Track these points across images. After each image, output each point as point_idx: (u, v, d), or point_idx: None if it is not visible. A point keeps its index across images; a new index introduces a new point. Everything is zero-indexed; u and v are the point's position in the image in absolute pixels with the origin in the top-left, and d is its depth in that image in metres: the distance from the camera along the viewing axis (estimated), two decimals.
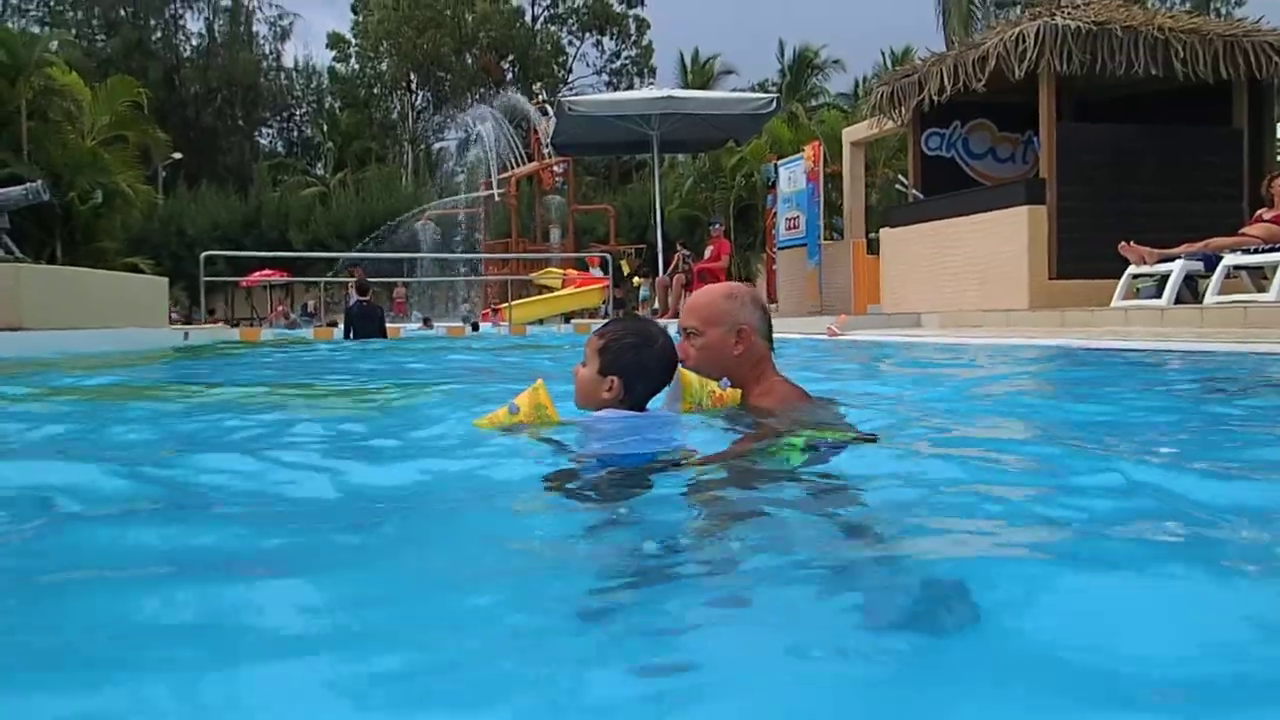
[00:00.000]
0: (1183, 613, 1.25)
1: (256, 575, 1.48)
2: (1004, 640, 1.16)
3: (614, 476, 2.21)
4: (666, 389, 2.66)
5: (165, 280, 14.30)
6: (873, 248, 16.46)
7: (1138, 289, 10.33)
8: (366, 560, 1.60)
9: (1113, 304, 10.21)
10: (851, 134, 17.55)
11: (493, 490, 2.17)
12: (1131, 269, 10.28)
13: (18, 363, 7.30)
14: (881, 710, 0.99)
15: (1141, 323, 8.93)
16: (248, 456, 2.61)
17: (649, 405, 2.63)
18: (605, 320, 3.67)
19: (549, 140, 21.99)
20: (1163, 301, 9.59)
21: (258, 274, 33.11)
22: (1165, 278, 9.82)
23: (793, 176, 17.71)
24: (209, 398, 4.84)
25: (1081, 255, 11.58)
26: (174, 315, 29.62)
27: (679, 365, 2.67)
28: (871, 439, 2.51)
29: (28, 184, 10.59)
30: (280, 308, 35.75)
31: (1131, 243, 10.16)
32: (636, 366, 2.53)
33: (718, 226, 17.68)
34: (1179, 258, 9.78)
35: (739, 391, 2.77)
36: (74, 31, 48.26)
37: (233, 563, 1.57)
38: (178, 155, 43.71)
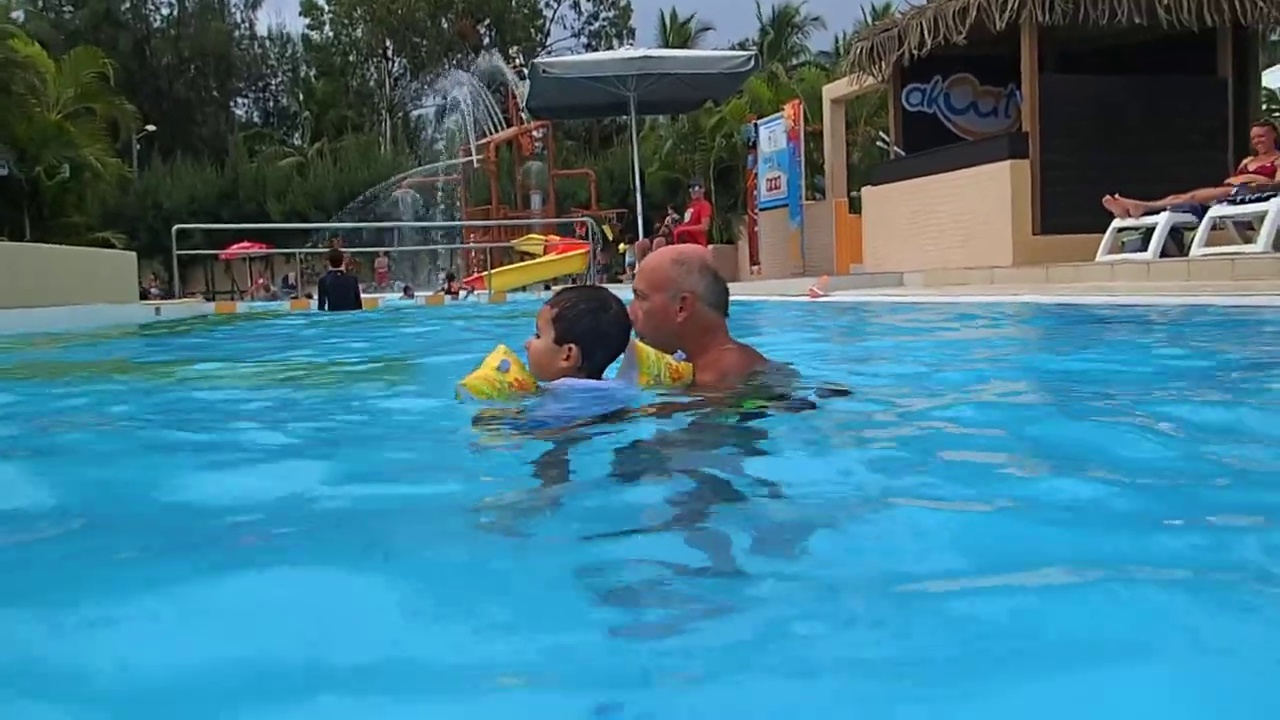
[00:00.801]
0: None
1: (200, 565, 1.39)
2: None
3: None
4: (619, 361, 2.62)
5: (134, 255, 14.01)
6: (855, 207, 16.28)
7: (1123, 243, 10.16)
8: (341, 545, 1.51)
9: (1097, 259, 10.06)
10: (832, 91, 17.28)
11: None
12: (1116, 222, 10.12)
13: None
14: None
15: (1127, 277, 8.78)
16: (186, 437, 2.55)
17: (605, 375, 2.62)
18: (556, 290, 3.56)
19: (524, 104, 21.60)
20: (1148, 255, 9.43)
21: (236, 246, 32.67)
22: (1151, 231, 9.66)
23: (773, 136, 17.46)
24: (157, 375, 4.64)
25: (1065, 210, 11.42)
26: (154, 290, 29.27)
27: (633, 335, 2.61)
28: (843, 391, 2.56)
29: None
30: (260, 280, 35.39)
31: (1117, 195, 9.99)
32: (594, 332, 2.53)
33: (697, 189, 17.39)
34: (1164, 210, 9.62)
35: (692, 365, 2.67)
36: (40, 3, 47.31)
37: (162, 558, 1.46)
38: (151, 128, 43.03)
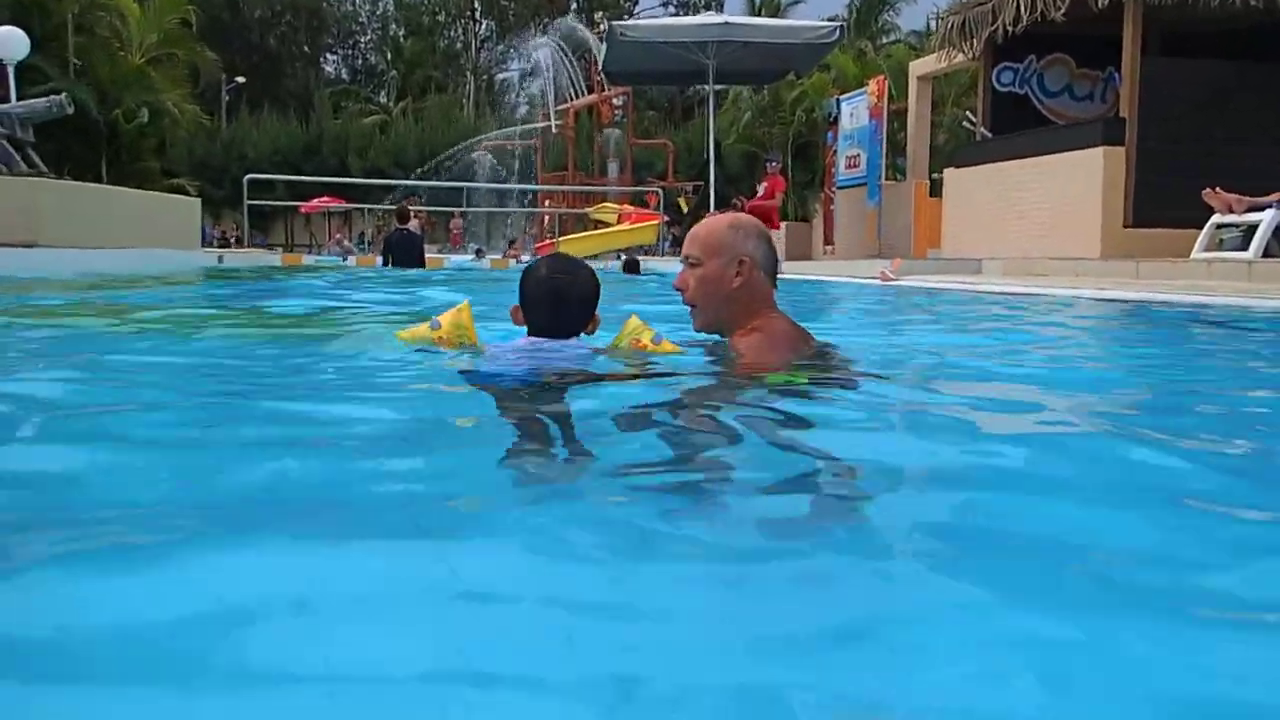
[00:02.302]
0: None
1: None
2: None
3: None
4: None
5: (198, 201, 14.01)
6: (936, 190, 15.68)
7: (1221, 240, 9.52)
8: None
9: (1192, 255, 9.44)
10: (918, 68, 16.61)
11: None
12: (1216, 218, 9.48)
13: (28, 282, 7.02)
14: None
15: (1226, 276, 8.17)
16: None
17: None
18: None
19: (601, 68, 21.23)
20: (1249, 254, 8.80)
21: (317, 200, 32.98)
22: (1253, 228, 9.02)
23: (855, 112, 16.89)
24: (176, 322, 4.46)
25: (1160, 202, 10.75)
26: (232, 239, 29.73)
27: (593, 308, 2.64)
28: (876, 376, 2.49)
29: (50, 97, 10.30)
30: (337, 235, 35.73)
31: (1217, 189, 9.34)
32: (523, 294, 2.61)
33: (774, 164, 16.84)
34: (1271, 207, 8.96)
35: (670, 346, 2.66)
36: None
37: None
38: (241, 79, 43.66)
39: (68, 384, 2.45)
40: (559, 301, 2.59)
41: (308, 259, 16.08)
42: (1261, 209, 9.02)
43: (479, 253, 22.86)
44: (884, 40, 37.25)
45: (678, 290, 2.62)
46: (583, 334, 2.61)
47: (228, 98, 43.81)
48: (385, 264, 13.47)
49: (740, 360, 2.51)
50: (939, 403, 2.39)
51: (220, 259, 11.97)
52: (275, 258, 15.45)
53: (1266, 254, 8.78)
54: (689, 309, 2.65)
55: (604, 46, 18.30)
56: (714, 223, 2.69)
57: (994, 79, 13.52)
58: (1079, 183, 11.29)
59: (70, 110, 9.89)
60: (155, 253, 10.10)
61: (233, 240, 30.17)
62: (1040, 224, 11.84)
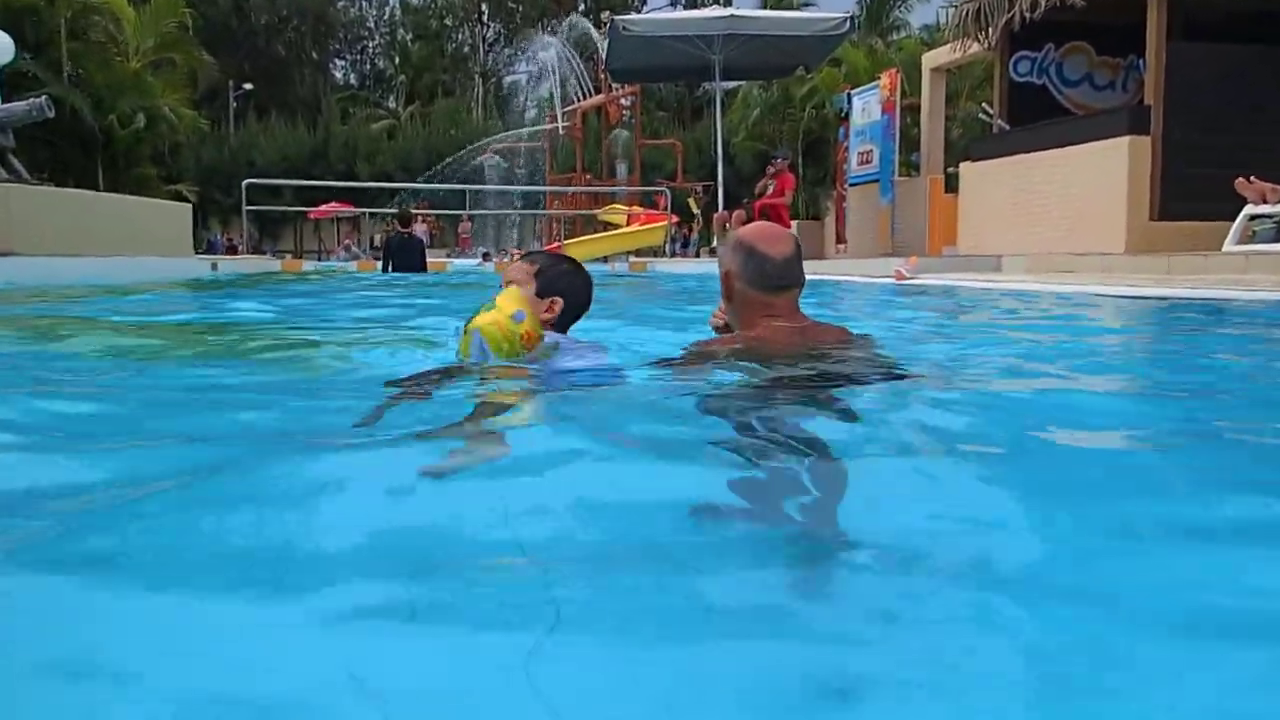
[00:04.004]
0: None
1: None
2: None
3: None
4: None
5: (189, 207, 13.62)
6: (951, 185, 15.22)
7: (1254, 232, 9.04)
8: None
9: (1224, 248, 8.97)
10: (932, 59, 16.14)
11: None
12: (1249, 209, 9.01)
13: None
14: None
15: (1265, 270, 7.69)
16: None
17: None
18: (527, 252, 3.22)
19: (604, 65, 20.83)
20: None
21: (325, 206, 32.77)
22: None
23: (867, 107, 16.44)
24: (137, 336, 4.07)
25: (1189, 194, 10.29)
26: (239, 245, 29.47)
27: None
28: (899, 376, 2.37)
29: (30, 100, 9.95)
30: (346, 241, 35.49)
31: (1252, 178, 8.87)
32: (573, 290, 2.56)
33: (781, 159, 16.32)
34: None
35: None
36: None
37: None
38: (248, 86, 43.48)
39: None
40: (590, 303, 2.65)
41: (308, 266, 15.73)
42: None
43: (485, 256, 22.57)
44: (895, 36, 36.77)
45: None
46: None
47: (235, 104, 43.64)
48: (385, 269, 13.18)
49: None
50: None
51: (214, 266, 11.60)
52: (275, 264, 15.10)
53: None
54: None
55: (607, 42, 17.89)
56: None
57: (1011, 69, 13.09)
58: (1103, 175, 10.84)
59: (51, 114, 9.54)
60: (143, 261, 9.75)
61: (239, 246, 29.99)
62: (1062, 219, 11.38)
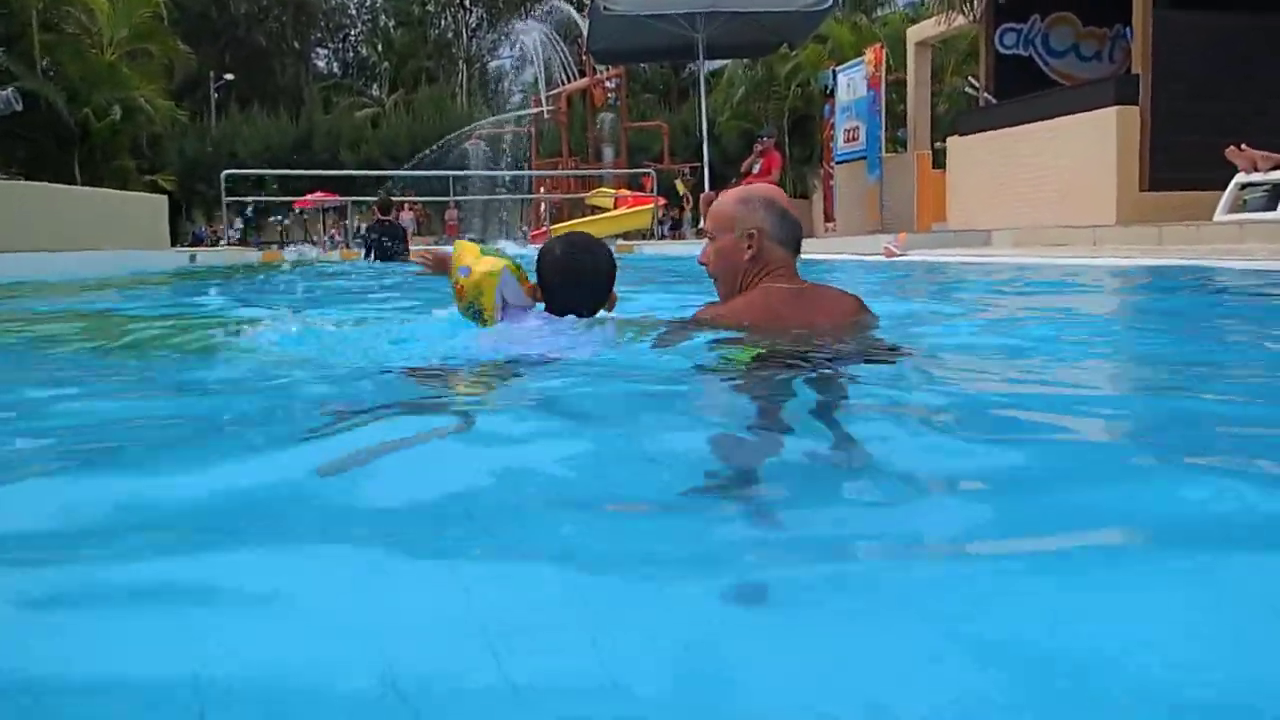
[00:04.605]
0: None
1: None
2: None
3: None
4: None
5: (164, 199, 13.37)
6: (938, 161, 15.09)
7: (1244, 200, 8.91)
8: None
9: (1215, 218, 8.85)
10: (917, 33, 15.98)
11: None
12: (1240, 177, 8.88)
13: None
14: None
15: (1258, 238, 7.57)
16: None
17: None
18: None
19: (587, 48, 20.60)
20: (1277, 214, 8.20)
21: (311, 196, 32.49)
22: (1278, 188, 8.42)
23: (852, 83, 16.28)
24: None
25: (1178, 163, 10.17)
26: (220, 238, 29.26)
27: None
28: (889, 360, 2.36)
29: None
30: (332, 231, 35.24)
31: (1243, 146, 8.74)
32: (541, 273, 2.67)
33: (766, 138, 16.08)
34: None
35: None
36: None
37: None
38: (229, 76, 43.04)
39: None
40: (577, 280, 2.69)
41: (289, 255, 15.52)
42: None
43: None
44: (880, 11, 36.51)
45: (701, 264, 2.77)
46: (601, 310, 2.69)
47: (217, 95, 43.20)
48: (367, 257, 13.01)
49: (712, 319, 2.63)
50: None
51: (193, 258, 11.39)
52: (256, 256, 14.88)
53: None
54: (712, 281, 2.78)
55: (588, 23, 17.67)
56: (727, 197, 2.84)
57: (996, 41, 12.95)
58: (1091, 146, 10.71)
59: (19, 107, 9.31)
60: (117, 254, 9.55)
61: (227, 237, 29.77)
62: (1051, 191, 11.26)
